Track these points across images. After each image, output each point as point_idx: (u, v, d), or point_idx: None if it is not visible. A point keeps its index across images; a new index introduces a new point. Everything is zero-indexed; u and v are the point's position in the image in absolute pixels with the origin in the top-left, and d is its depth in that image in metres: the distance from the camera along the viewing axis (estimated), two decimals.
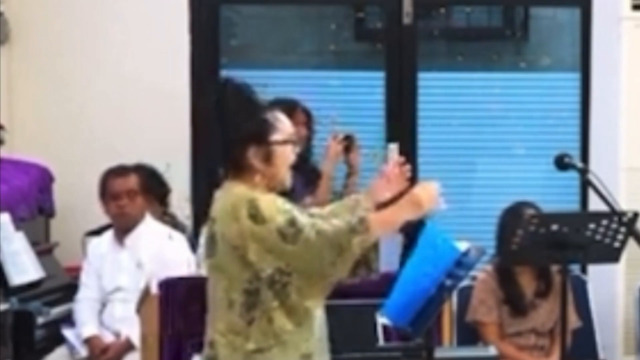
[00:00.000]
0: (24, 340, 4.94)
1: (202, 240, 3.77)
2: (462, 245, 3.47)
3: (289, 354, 3.14)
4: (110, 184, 5.19)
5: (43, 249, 5.54)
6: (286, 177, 3.25)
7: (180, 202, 5.73)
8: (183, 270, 4.77)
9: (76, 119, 6.00)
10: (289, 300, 3.11)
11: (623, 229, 4.24)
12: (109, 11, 6.01)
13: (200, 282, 3.42)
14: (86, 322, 5.18)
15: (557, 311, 4.71)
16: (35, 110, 6.02)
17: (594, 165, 5.69)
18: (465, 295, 5.08)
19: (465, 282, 4.75)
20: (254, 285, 3.10)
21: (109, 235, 5.31)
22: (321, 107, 5.82)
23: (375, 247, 3.23)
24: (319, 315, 3.25)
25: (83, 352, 5.17)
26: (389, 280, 3.67)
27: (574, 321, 5.05)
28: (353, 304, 4.03)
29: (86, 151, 5.89)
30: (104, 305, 5.24)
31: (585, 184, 4.23)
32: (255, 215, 3.07)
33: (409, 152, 6.10)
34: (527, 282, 5.04)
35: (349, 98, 6.26)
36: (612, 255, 4.41)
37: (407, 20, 6.12)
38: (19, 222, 5.35)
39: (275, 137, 3.20)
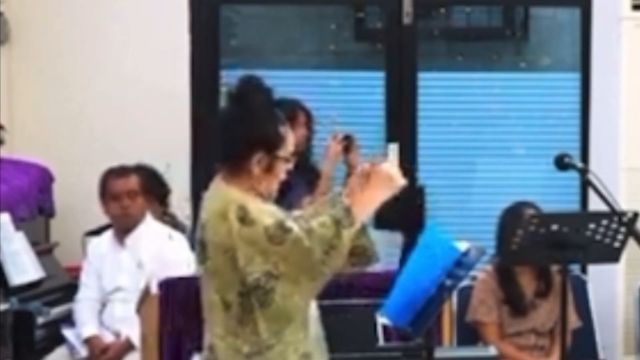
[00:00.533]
0: (24, 340, 4.93)
1: None
2: (462, 245, 3.47)
3: (288, 355, 3.14)
4: (111, 184, 5.19)
5: (43, 249, 5.54)
6: (274, 192, 3.25)
7: (180, 202, 5.73)
8: (183, 270, 4.76)
9: (76, 119, 6.00)
10: (270, 307, 3.08)
11: (623, 229, 4.24)
12: (109, 11, 6.01)
13: (200, 282, 3.41)
14: (86, 322, 5.18)
15: (557, 311, 4.71)
16: (35, 110, 6.02)
17: (594, 165, 5.69)
18: (465, 295, 5.08)
19: (465, 282, 4.75)
20: (246, 288, 3.10)
21: (108, 235, 5.31)
22: (321, 107, 5.82)
23: (364, 233, 3.20)
24: (313, 315, 3.24)
25: (83, 352, 5.17)
26: (389, 280, 3.67)
27: (574, 321, 5.05)
28: (353, 304, 4.03)
29: (86, 151, 5.89)
30: (104, 305, 5.24)
31: (585, 184, 4.23)
32: (244, 218, 3.07)
33: (409, 152, 6.11)
34: (527, 282, 5.04)
35: (349, 98, 6.26)
36: (612, 255, 4.41)
37: (407, 20, 6.12)
38: (19, 222, 5.34)
39: (282, 152, 3.20)
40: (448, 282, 3.48)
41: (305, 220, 3.16)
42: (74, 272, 5.46)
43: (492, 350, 4.31)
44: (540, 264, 4.90)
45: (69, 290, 5.41)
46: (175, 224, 5.53)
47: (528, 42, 6.67)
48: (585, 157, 6.05)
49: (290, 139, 3.24)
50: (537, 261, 4.72)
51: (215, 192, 3.20)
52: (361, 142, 5.51)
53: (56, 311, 5.26)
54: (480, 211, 6.04)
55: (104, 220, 5.40)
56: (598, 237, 4.28)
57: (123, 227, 5.21)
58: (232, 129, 3.19)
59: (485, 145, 6.33)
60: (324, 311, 3.93)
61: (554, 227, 4.24)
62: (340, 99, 6.25)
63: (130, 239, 5.19)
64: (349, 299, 4.07)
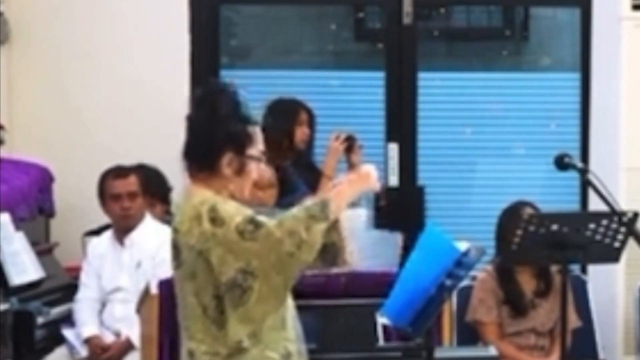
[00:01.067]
0: (24, 340, 4.93)
1: None
2: (462, 245, 3.48)
3: (268, 355, 3.14)
4: (110, 185, 5.20)
5: (43, 249, 5.54)
6: (246, 193, 3.25)
7: None
8: None
9: (76, 119, 6.00)
10: (243, 307, 3.08)
11: (623, 229, 4.23)
12: (109, 11, 6.01)
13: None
14: (86, 322, 5.18)
15: (557, 311, 4.72)
16: (35, 110, 6.01)
17: (594, 165, 5.69)
18: (465, 295, 5.09)
19: (465, 282, 4.75)
20: (221, 290, 3.09)
21: (108, 235, 5.31)
22: (321, 107, 5.82)
23: (337, 230, 3.19)
24: (290, 315, 3.24)
25: (83, 352, 5.17)
26: (389, 280, 3.68)
27: (574, 321, 5.05)
28: (353, 304, 4.03)
29: (86, 151, 5.89)
30: (104, 305, 5.24)
31: (585, 184, 4.23)
32: (215, 219, 3.07)
33: (409, 152, 6.11)
34: (526, 282, 5.04)
35: (349, 98, 6.26)
36: (612, 255, 4.41)
37: (407, 20, 6.12)
38: (19, 222, 5.34)
39: (252, 151, 3.21)
40: (448, 282, 3.48)
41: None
42: (74, 272, 5.46)
43: (492, 350, 4.31)
44: (540, 264, 4.91)
45: (69, 290, 5.41)
46: None
47: (528, 42, 6.67)
48: (585, 157, 6.05)
49: (260, 138, 3.25)
50: (537, 261, 4.72)
51: (187, 196, 3.21)
52: (361, 142, 5.51)
53: (56, 311, 5.26)
54: (480, 211, 6.03)
55: (104, 220, 5.40)
56: (598, 237, 4.28)
57: (123, 227, 5.21)
58: (199, 132, 3.22)
59: (485, 145, 6.33)
60: (324, 311, 3.93)
61: (554, 227, 4.24)
62: (340, 99, 6.25)
63: (130, 239, 5.20)
64: (348, 299, 4.07)
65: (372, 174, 3.24)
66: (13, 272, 5.11)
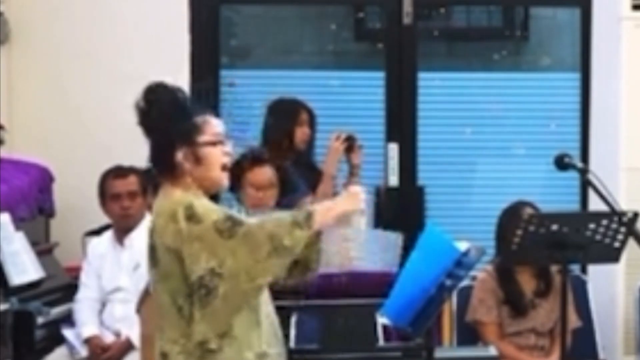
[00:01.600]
0: (24, 340, 4.93)
1: None
2: (462, 245, 3.48)
3: (243, 355, 3.14)
4: (111, 185, 5.20)
5: (43, 249, 5.54)
6: (221, 178, 3.29)
7: None
8: None
9: (76, 119, 6.00)
10: (209, 307, 3.08)
11: (623, 229, 4.23)
12: (109, 11, 6.00)
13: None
14: (86, 322, 5.18)
15: (557, 311, 4.72)
16: (35, 110, 6.01)
17: (594, 165, 5.70)
18: (465, 295, 5.09)
19: (465, 282, 4.75)
20: (191, 289, 3.10)
21: (108, 235, 5.31)
22: (321, 107, 5.81)
23: (315, 246, 3.22)
24: (267, 313, 3.25)
25: (83, 352, 5.17)
26: (389, 280, 3.68)
27: (574, 321, 5.05)
28: (353, 304, 4.03)
29: (86, 151, 5.88)
30: (104, 305, 5.24)
31: (585, 184, 4.23)
32: (192, 216, 3.10)
33: (409, 152, 6.11)
34: (526, 282, 5.04)
35: (349, 98, 6.26)
36: (612, 255, 4.41)
37: (407, 20, 6.12)
38: (19, 222, 5.34)
39: (203, 138, 3.23)
40: (448, 282, 3.49)
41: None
42: (74, 272, 5.46)
43: (492, 350, 4.32)
44: (540, 264, 4.91)
45: (69, 290, 5.40)
46: None
47: (528, 42, 6.66)
48: (585, 157, 6.05)
49: (212, 123, 3.28)
50: (537, 261, 4.72)
51: (162, 196, 3.24)
52: (361, 142, 5.51)
53: (56, 311, 5.26)
54: (480, 211, 6.03)
55: (104, 220, 5.40)
56: (598, 237, 4.28)
57: (123, 227, 5.22)
58: (152, 139, 3.29)
59: (485, 145, 6.32)
60: (324, 311, 3.93)
61: (554, 227, 4.24)
62: (340, 99, 6.25)
63: (130, 239, 5.20)
64: (349, 299, 4.07)
65: (360, 195, 3.28)
66: (13, 272, 5.11)
